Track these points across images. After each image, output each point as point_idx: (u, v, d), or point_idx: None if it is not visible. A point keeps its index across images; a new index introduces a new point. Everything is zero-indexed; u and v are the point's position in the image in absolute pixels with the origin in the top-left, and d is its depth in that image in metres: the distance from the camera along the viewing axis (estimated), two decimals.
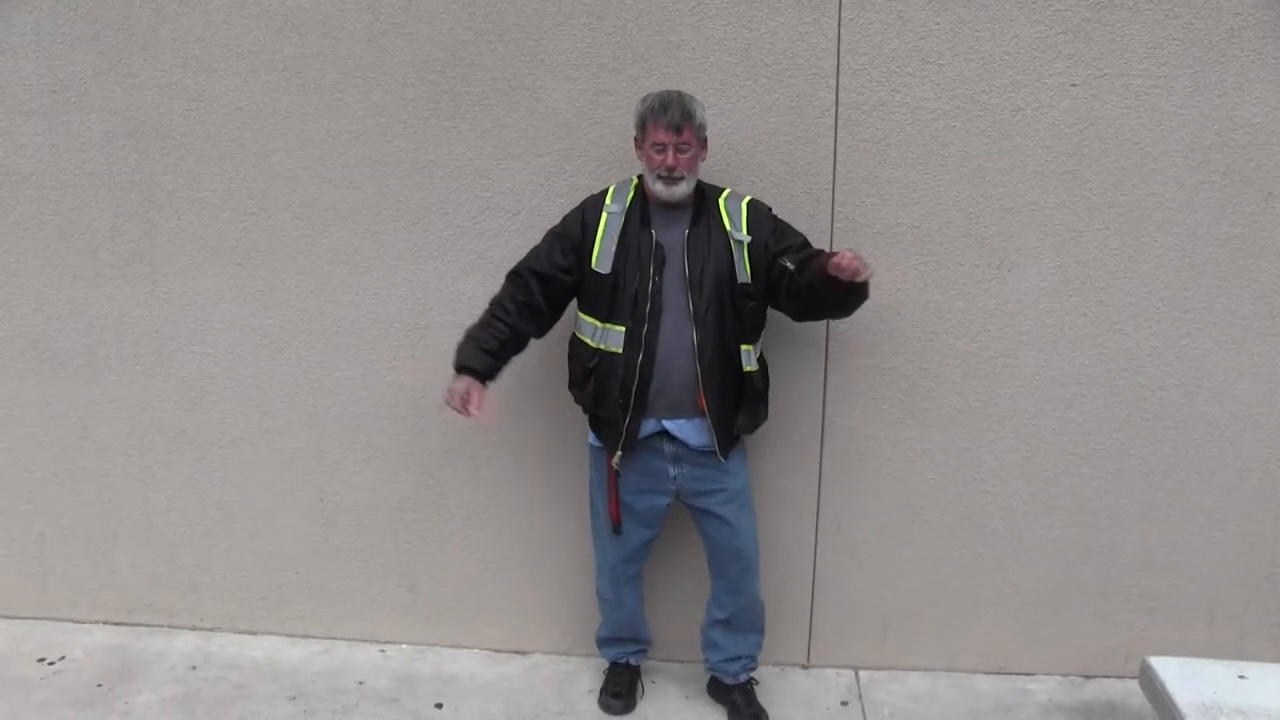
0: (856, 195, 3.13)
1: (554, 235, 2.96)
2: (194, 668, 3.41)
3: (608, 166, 3.15)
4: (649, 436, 2.93)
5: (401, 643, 3.55)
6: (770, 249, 2.88)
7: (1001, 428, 3.26)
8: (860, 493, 3.33)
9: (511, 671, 3.43)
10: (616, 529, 3.05)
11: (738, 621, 3.14)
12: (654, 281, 2.83)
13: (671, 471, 2.98)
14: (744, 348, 2.90)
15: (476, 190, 3.22)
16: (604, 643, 3.31)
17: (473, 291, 3.26)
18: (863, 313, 3.15)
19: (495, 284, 3.23)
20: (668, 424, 2.92)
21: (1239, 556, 3.31)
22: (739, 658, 3.17)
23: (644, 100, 2.86)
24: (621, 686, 3.26)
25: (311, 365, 3.38)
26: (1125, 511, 3.30)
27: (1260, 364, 3.18)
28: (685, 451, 2.95)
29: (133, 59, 3.22)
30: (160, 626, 3.61)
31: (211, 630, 3.60)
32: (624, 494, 3.01)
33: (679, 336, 2.85)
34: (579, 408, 3.04)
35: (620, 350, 2.86)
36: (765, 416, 3.03)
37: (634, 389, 2.86)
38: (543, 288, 2.92)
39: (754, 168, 3.13)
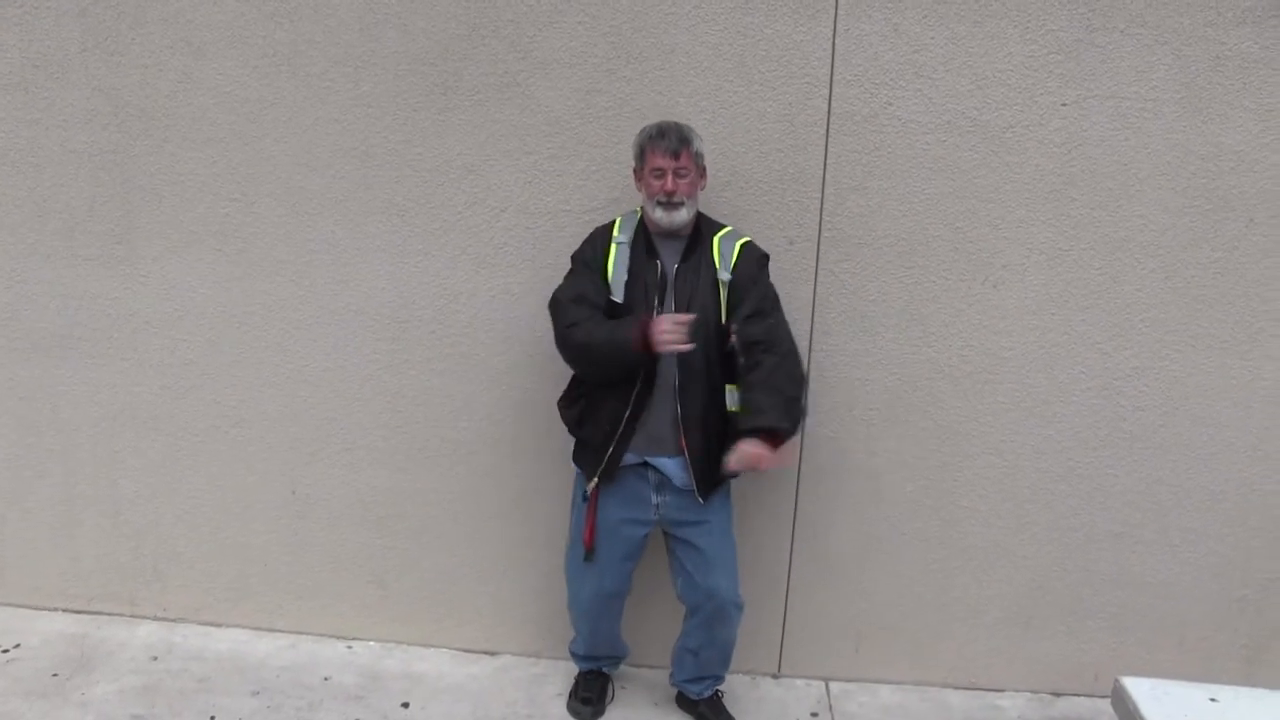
0: (845, 205, 3.13)
1: (585, 265, 2.90)
2: (156, 659, 3.35)
3: (597, 167, 3.14)
4: (633, 465, 2.91)
5: (369, 639, 3.51)
6: (740, 297, 2.84)
7: (981, 443, 3.27)
8: (838, 504, 3.32)
9: (480, 672, 3.39)
10: (589, 555, 3.00)
11: (705, 657, 3.10)
12: (658, 312, 2.81)
13: (655, 499, 2.95)
14: (729, 388, 2.88)
15: (463, 185, 3.20)
16: (579, 657, 3.27)
17: (456, 287, 3.24)
18: (846, 323, 3.19)
19: (479, 280, 3.23)
20: (650, 459, 2.89)
21: (1211, 578, 3.33)
22: (703, 679, 3.15)
23: (641, 131, 2.87)
24: (592, 693, 3.22)
25: (289, 355, 3.34)
26: (1100, 530, 3.31)
27: (1237, 387, 3.21)
28: (668, 481, 2.92)
29: (120, 37, 3.18)
30: (122, 615, 3.55)
31: (175, 621, 3.54)
32: (604, 521, 2.96)
33: (666, 373, 2.83)
34: (559, 418, 3.03)
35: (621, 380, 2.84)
36: None
37: (624, 418, 2.83)
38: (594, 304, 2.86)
39: (744, 174, 3.13)
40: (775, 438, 2.77)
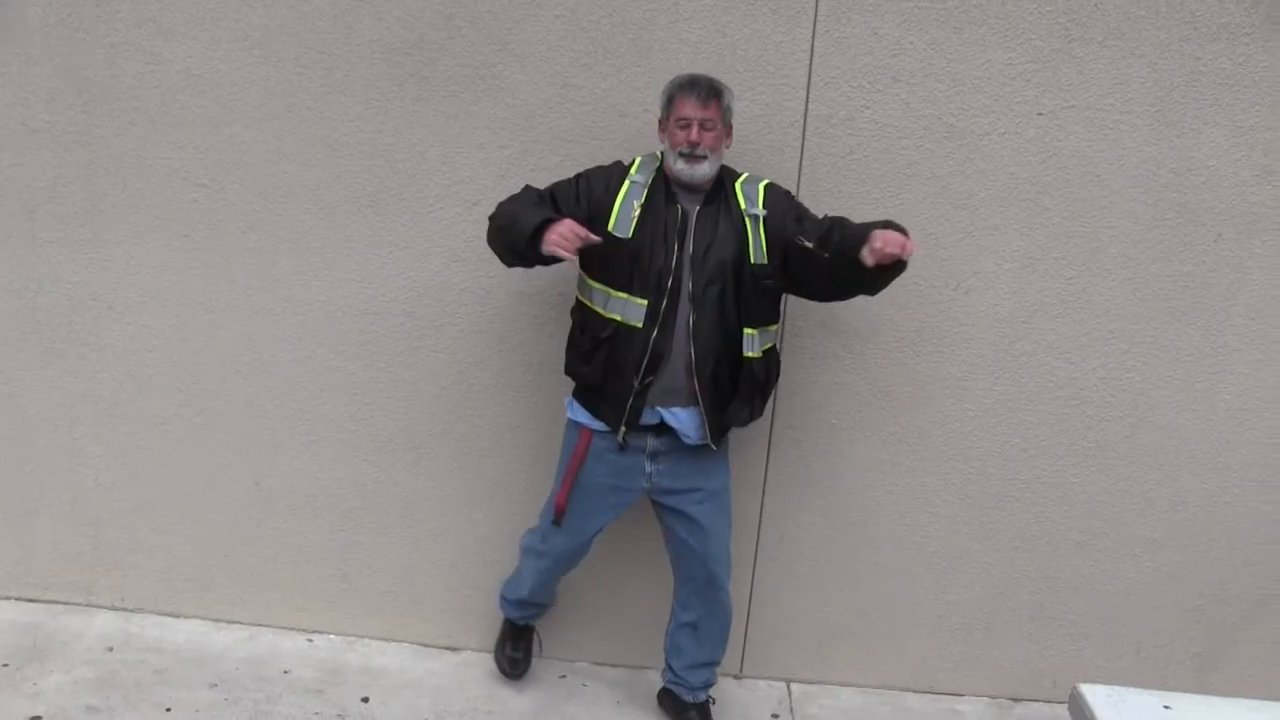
0: (820, 208, 3.09)
1: (581, 179, 2.82)
2: (112, 649, 3.30)
3: (571, 161, 3.11)
4: (640, 428, 2.84)
5: (330, 633, 3.48)
6: (789, 229, 2.78)
7: (948, 449, 3.29)
8: (804, 506, 3.33)
9: (441, 667, 3.37)
10: (558, 519, 2.93)
11: (705, 627, 3.05)
12: (677, 256, 2.75)
13: (647, 468, 2.89)
14: (747, 331, 2.80)
15: (436, 177, 3.16)
16: (514, 604, 3.21)
17: (427, 280, 3.21)
18: (817, 327, 3.18)
19: (449, 273, 3.21)
20: (663, 412, 2.82)
21: (1170, 587, 3.37)
22: (704, 665, 3.09)
23: (671, 80, 2.81)
24: (520, 651, 3.25)
25: (255, 344, 3.29)
26: (1063, 539, 3.34)
27: (1201, 399, 3.24)
28: (667, 447, 2.86)
29: (85, 14, 3.10)
30: (79, 605, 3.49)
31: (133, 611, 3.49)
32: (591, 486, 2.90)
33: (682, 317, 2.77)
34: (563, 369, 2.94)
35: (640, 324, 2.75)
36: (759, 413, 2.91)
37: (645, 364, 2.75)
38: (554, 208, 2.76)
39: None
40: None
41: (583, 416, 2.90)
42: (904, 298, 3.17)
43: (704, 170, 2.75)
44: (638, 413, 2.80)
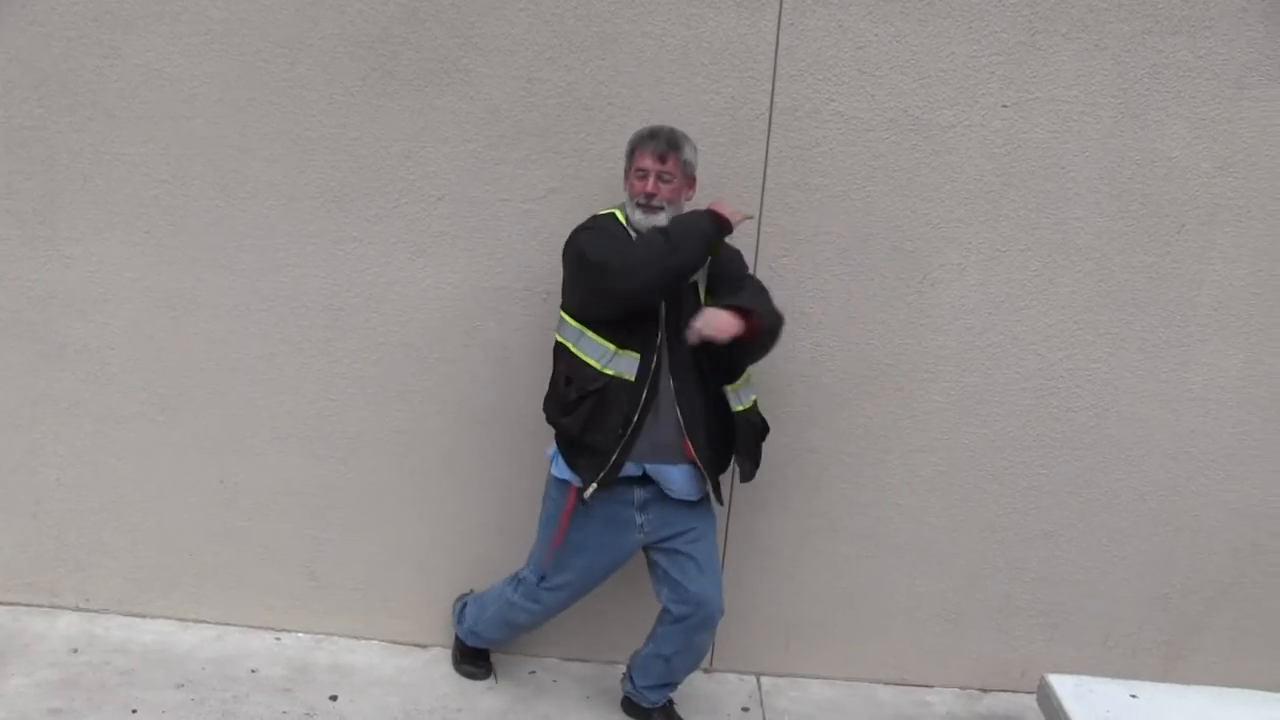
0: (785, 200, 3.12)
1: (607, 230, 2.79)
2: (76, 650, 3.26)
3: (536, 156, 3.10)
4: (627, 477, 2.81)
5: (298, 631, 3.45)
6: (725, 292, 2.79)
7: (915, 441, 3.29)
8: (772, 499, 3.33)
9: (411, 665, 3.35)
10: (544, 570, 2.93)
11: (678, 662, 3.03)
12: (665, 310, 2.75)
13: (638, 519, 2.87)
14: (729, 389, 2.83)
15: (400, 172, 3.14)
16: (471, 632, 3.22)
17: (391, 275, 3.19)
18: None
19: (414, 268, 3.19)
20: (650, 468, 2.81)
21: (1136, 577, 3.40)
22: (666, 685, 3.10)
23: (635, 132, 2.83)
24: (480, 666, 3.30)
25: (219, 341, 3.26)
26: (1031, 529, 3.36)
27: (1167, 389, 3.27)
28: (654, 496, 2.85)
29: (41, 6, 3.05)
30: (42, 606, 3.44)
31: (98, 612, 3.45)
32: (583, 545, 2.89)
33: (666, 373, 2.77)
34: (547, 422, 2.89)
35: (633, 378, 2.73)
36: (759, 460, 2.94)
37: (632, 421, 2.74)
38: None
39: None
40: (746, 316, 2.66)
41: (565, 473, 2.85)
42: (870, 290, 3.18)
43: (660, 221, 2.76)
44: (618, 468, 2.78)
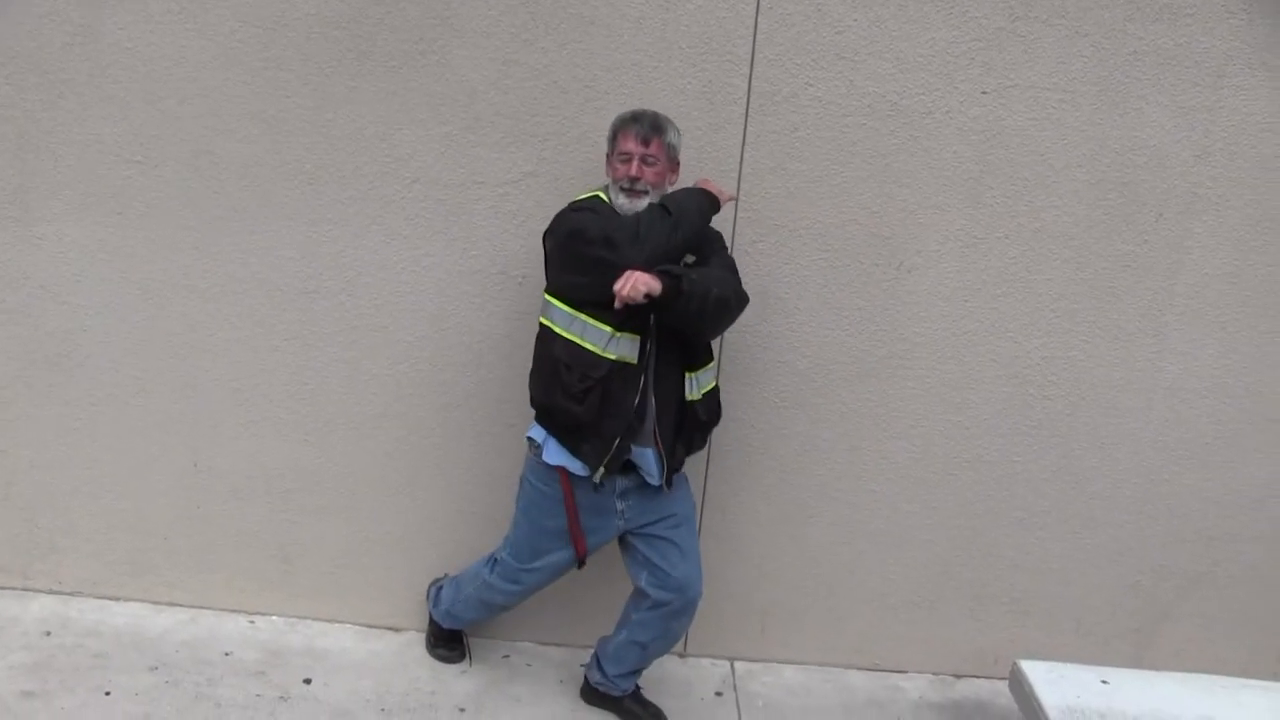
0: (762, 185, 3.11)
1: (598, 210, 2.72)
2: (49, 634, 3.25)
3: (512, 139, 3.08)
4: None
5: (272, 614, 3.45)
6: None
7: (890, 427, 3.29)
8: (747, 485, 3.33)
9: (384, 648, 3.35)
10: (581, 562, 2.92)
11: (654, 648, 3.03)
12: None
13: (619, 506, 2.87)
14: (688, 374, 2.81)
15: (375, 154, 3.11)
16: (447, 614, 3.21)
17: (366, 258, 3.17)
18: (760, 305, 3.17)
19: (389, 251, 3.16)
20: (636, 451, 2.79)
21: (1108, 564, 3.41)
22: (638, 671, 3.10)
23: (618, 114, 2.80)
24: (455, 649, 3.31)
25: (192, 324, 3.24)
26: (1005, 516, 3.37)
27: (1141, 378, 3.27)
28: (634, 484, 2.84)
29: None
30: (14, 589, 3.44)
31: (71, 595, 3.44)
32: (564, 529, 2.87)
33: (653, 359, 2.74)
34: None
35: (635, 360, 2.69)
36: (699, 447, 2.94)
37: (634, 405, 2.71)
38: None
39: None
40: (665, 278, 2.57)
41: (560, 458, 2.80)
42: (846, 276, 3.17)
43: (643, 205, 2.72)
44: (624, 452, 2.75)
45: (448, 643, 3.30)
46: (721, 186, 2.86)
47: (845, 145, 3.09)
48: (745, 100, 3.07)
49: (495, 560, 3.06)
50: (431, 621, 3.32)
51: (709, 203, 2.76)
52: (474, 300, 3.19)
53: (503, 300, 3.17)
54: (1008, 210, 3.15)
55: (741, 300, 2.78)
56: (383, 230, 3.15)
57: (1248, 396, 3.29)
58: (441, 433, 3.30)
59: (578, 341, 2.69)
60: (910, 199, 3.13)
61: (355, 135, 3.10)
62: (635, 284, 2.50)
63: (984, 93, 3.07)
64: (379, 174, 3.12)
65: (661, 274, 2.56)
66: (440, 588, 3.27)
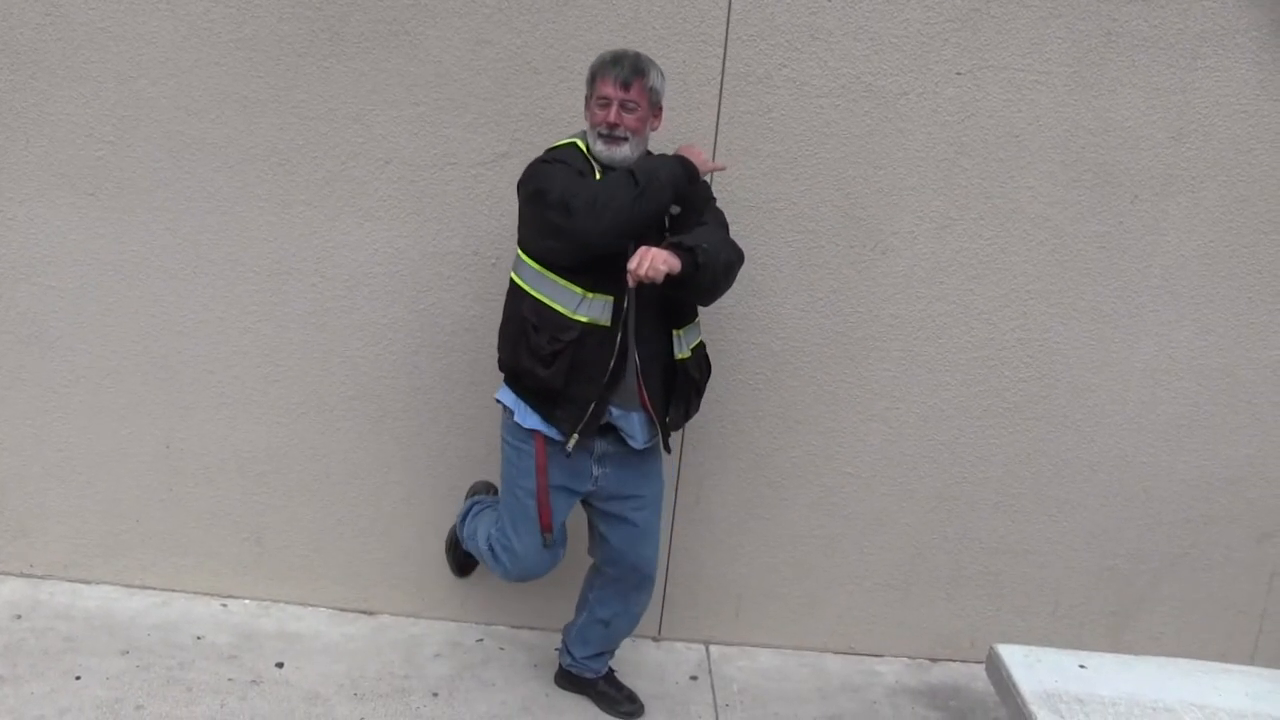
0: (736, 167, 3.09)
1: (569, 167, 2.58)
2: (19, 617, 3.23)
3: (485, 120, 3.06)
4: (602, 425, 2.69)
5: (244, 598, 3.43)
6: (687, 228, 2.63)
7: (866, 409, 3.28)
8: (721, 467, 3.32)
9: (357, 632, 3.33)
10: (547, 540, 2.77)
11: (617, 625, 2.99)
12: (633, 247, 2.50)
13: (594, 471, 2.76)
14: (675, 333, 2.71)
15: (348, 135, 3.10)
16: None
17: (338, 239, 3.15)
18: (735, 286, 3.12)
19: (362, 232, 3.15)
20: (616, 413, 2.68)
21: (1084, 547, 3.40)
22: (605, 653, 3.07)
23: (597, 56, 2.64)
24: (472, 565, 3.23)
25: (164, 305, 3.22)
26: (981, 499, 3.36)
27: (1117, 360, 3.26)
28: (613, 449, 2.75)
29: None
30: None
31: (41, 578, 3.42)
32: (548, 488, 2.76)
33: (632, 316, 2.63)
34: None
35: (609, 322, 2.58)
36: (695, 410, 2.84)
37: (609, 368, 2.60)
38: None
39: None
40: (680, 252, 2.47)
41: (534, 422, 2.70)
42: (821, 257, 3.16)
43: (624, 152, 2.59)
44: (598, 417, 2.65)
45: (467, 555, 3.17)
46: (708, 156, 2.72)
47: (820, 126, 3.09)
48: (719, 81, 3.06)
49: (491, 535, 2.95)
50: (454, 532, 3.19)
51: (684, 172, 2.59)
52: (447, 282, 3.17)
53: (475, 282, 3.16)
54: (982, 191, 3.14)
55: (742, 258, 2.68)
56: (355, 211, 3.13)
57: (1224, 377, 3.29)
58: (414, 415, 3.28)
59: (547, 302, 2.59)
60: (885, 180, 3.13)
61: (327, 116, 3.09)
62: (654, 262, 2.38)
63: (958, 74, 3.07)
64: (351, 155, 3.11)
65: (675, 248, 2.46)
66: (477, 508, 3.09)
